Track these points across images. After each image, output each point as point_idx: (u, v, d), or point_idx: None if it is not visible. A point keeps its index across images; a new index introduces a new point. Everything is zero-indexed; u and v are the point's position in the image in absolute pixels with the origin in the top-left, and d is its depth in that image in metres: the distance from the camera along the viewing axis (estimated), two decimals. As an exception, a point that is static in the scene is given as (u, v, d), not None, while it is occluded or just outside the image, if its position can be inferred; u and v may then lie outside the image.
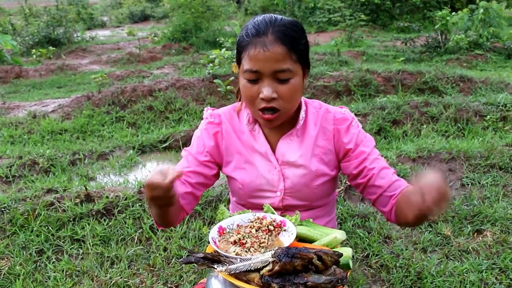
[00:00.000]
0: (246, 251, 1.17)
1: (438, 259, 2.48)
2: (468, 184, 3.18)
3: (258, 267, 1.08)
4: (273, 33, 1.25)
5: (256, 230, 1.25)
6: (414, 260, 2.47)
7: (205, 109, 1.53)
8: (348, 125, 1.42)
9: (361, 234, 2.68)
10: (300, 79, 1.32)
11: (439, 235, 2.69)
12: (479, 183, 3.19)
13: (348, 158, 1.42)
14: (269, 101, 1.28)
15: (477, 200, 2.99)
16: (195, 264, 1.15)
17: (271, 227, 1.26)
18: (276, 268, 1.04)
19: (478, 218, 2.80)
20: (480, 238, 2.65)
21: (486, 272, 2.33)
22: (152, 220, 2.65)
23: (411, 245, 2.62)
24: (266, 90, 1.27)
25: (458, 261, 2.46)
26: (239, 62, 1.34)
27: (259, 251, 1.17)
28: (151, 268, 2.46)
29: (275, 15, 1.33)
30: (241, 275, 1.08)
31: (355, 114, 4.49)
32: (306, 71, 1.36)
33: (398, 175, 3.02)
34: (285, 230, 1.26)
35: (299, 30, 1.31)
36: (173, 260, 2.52)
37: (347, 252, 1.21)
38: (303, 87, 1.36)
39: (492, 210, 2.85)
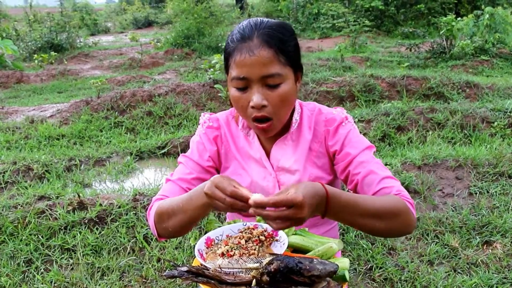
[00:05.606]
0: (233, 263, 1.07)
1: (446, 272, 2.36)
2: (476, 193, 3.06)
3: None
4: (259, 36, 1.19)
5: (246, 241, 1.16)
6: (420, 273, 2.34)
7: (202, 114, 1.47)
8: (337, 126, 1.33)
9: (364, 245, 2.57)
10: (291, 83, 1.24)
11: (446, 246, 2.57)
12: (488, 192, 3.07)
13: (336, 161, 1.34)
14: (260, 109, 1.21)
15: (485, 210, 2.86)
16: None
17: (262, 237, 1.17)
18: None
19: (487, 229, 2.68)
20: (490, 250, 2.53)
21: (496, 287, 2.21)
22: (149, 229, 2.55)
23: (416, 257, 2.49)
24: (256, 97, 1.20)
25: (467, 275, 2.34)
26: (227, 70, 1.27)
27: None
28: (143, 280, 2.35)
29: (261, 18, 1.26)
30: None
31: (359, 120, 4.38)
32: (298, 74, 1.29)
33: (403, 183, 2.88)
34: (277, 240, 1.17)
35: (286, 32, 1.23)
36: (167, 271, 2.40)
37: (343, 263, 1.13)
38: (296, 92, 1.28)
39: (502, 221, 2.72)
